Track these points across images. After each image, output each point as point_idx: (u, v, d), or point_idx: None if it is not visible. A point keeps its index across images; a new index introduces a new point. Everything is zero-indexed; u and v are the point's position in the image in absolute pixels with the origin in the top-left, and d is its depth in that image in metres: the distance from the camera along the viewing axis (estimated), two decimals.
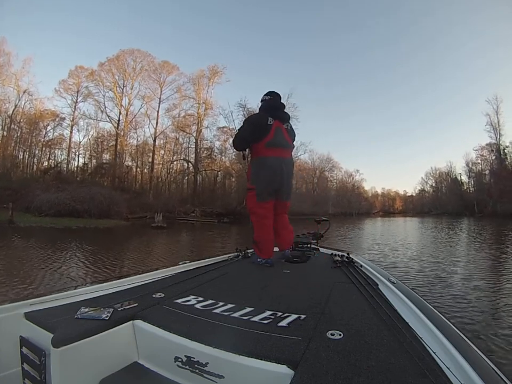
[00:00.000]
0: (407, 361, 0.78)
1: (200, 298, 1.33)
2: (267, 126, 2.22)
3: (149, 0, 59.69)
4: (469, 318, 3.13)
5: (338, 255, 2.29)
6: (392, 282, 1.53)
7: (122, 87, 30.22)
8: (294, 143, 2.51)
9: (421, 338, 0.90)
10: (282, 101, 2.44)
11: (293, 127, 2.52)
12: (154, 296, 1.35)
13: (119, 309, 1.15)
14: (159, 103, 31.87)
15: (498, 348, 2.48)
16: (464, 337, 0.99)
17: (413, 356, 0.80)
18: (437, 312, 1.23)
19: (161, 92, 31.76)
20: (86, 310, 1.12)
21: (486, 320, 3.09)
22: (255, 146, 2.27)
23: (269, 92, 2.40)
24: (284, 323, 1.06)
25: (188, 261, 2.11)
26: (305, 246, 2.69)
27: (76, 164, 31.47)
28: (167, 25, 65.23)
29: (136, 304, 1.21)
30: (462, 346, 0.88)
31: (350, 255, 2.22)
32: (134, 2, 56.31)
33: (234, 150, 2.83)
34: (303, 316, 1.12)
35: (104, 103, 29.88)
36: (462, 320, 3.05)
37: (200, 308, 1.22)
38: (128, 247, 9.30)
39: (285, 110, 2.43)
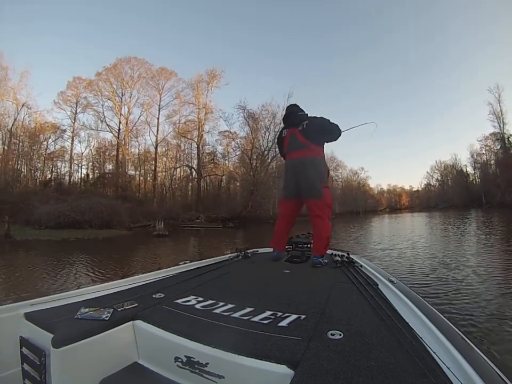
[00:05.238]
0: (407, 361, 0.78)
1: (200, 299, 1.33)
2: (282, 139, 2.66)
3: (141, 5, 59.91)
4: None
5: (338, 255, 2.27)
6: (392, 282, 1.52)
7: (121, 96, 30.03)
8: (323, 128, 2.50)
9: (421, 338, 0.89)
10: (295, 108, 2.65)
11: None
12: (154, 296, 1.35)
13: (119, 309, 1.15)
14: (159, 110, 31.64)
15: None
16: (464, 337, 0.98)
17: (413, 356, 0.79)
18: (437, 312, 1.21)
19: (160, 98, 31.53)
20: (86, 310, 1.12)
21: None
22: None
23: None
24: (284, 323, 1.05)
25: (188, 261, 2.09)
26: (305, 246, 2.68)
27: (80, 175, 31.46)
28: (162, 28, 64.94)
29: (136, 305, 1.21)
30: (462, 346, 0.87)
31: (350, 255, 2.21)
32: (125, 7, 56.41)
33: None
34: (303, 316, 1.11)
35: (103, 113, 29.60)
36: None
37: (200, 308, 1.22)
38: (111, 258, 8.60)
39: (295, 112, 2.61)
